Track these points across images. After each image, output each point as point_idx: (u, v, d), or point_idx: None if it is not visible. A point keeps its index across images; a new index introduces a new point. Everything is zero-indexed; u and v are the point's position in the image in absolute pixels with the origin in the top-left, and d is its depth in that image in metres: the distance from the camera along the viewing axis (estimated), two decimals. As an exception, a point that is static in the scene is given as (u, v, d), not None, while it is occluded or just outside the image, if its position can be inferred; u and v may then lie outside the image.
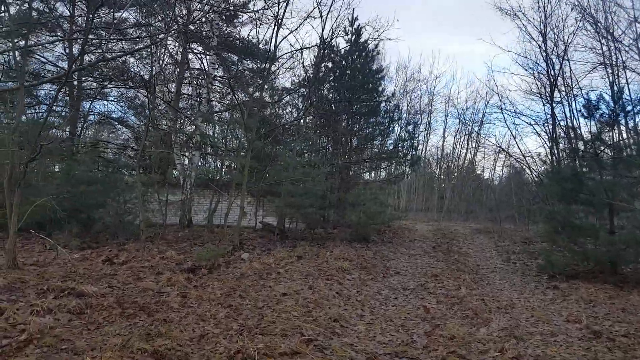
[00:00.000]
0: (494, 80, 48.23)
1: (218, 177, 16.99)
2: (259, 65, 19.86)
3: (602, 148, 9.63)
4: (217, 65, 16.96)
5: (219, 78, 17.76)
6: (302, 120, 16.04)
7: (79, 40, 17.32)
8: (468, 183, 36.91)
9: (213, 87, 17.29)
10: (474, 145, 37.53)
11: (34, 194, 10.12)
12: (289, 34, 13.93)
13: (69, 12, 17.18)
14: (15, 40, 15.04)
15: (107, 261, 7.34)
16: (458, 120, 37.21)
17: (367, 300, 6.67)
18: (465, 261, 11.23)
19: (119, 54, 15.86)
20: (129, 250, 8.53)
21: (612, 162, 9.50)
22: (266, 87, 21.44)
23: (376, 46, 18.46)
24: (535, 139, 41.89)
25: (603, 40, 14.57)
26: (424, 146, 35.42)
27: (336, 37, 16.98)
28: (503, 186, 33.81)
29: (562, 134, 15.70)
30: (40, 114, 17.62)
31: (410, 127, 17.64)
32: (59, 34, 17.58)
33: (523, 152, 19.68)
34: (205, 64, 16.99)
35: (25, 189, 10.34)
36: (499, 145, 24.92)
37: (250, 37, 20.14)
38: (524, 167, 21.60)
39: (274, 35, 11.32)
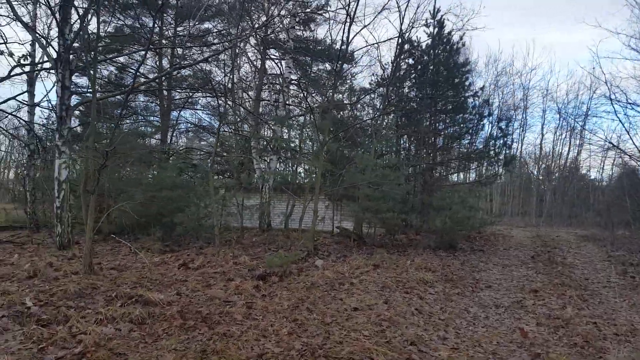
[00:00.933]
0: (600, 68, 43.06)
1: (296, 181, 16.91)
2: (334, 67, 19.65)
3: None
4: (292, 69, 16.95)
5: (295, 81, 17.72)
6: (380, 121, 15.34)
7: (167, 52, 18.43)
8: (571, 184, 33.36)
9: (290, 91, 17.28)
10: (577, 142, 33.88)
11: (125, 200, 10.75)
12: (362, 28, 13.39)
13: (158, 26, 18.29)
14: (110, 56, 16.38)
15: (183, 266, 7.39)
16: (558, 115, 33.91)
17: (451, 319, 5.88)
18: (571, 274, 9.79)
19: (196, 60, 16.44)
20: (206, 255, 8.58)
21: None
22: (344, 89, 21.20)
23: (461, 37, 17.24)
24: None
25: None
26: (519, 144, 32.74)
27: (416, 29, 16.09)
28: (613, 187, 29.98)
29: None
30: (135, 124, 19.02)
31: (502, 124, 16.08)
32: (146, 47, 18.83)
33: (639, 148, 16.99)
34: (282, 68, 17.02)
35: (118, 195, 11.07)
36: (609, 141, 21.91)
37: (325, 38, 19.97)
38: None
39: (346, 30, 10.79)
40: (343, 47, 11.40)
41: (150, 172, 11.19)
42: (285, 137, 17.49)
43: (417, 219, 16.36)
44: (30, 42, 13.26)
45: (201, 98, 21.83)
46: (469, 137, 18.96)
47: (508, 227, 23.90)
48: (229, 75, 19.55)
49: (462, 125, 18.27)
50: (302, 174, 17.96)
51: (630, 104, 15.68)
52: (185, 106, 21.22)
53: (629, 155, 17.91)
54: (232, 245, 10.18)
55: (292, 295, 6.05)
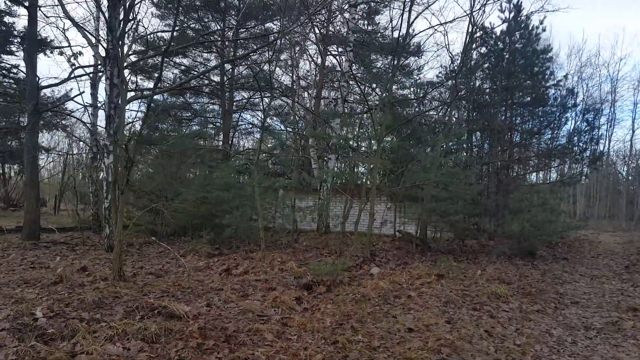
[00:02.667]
0: None
1: (357, 181, 16.11)
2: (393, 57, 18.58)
3: None
4: (353, 64, 16.17)
5: (353, 75, 16.93)
6: (448, 115, 14.11)
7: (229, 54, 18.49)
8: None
9: (349, 87, 16.52)
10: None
11: (180, 202, 10.65)
12: (424, 9, 12.15)
13: (219, 27, 18.39)
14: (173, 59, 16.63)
15: (225, 271, 6.93)
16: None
17: (529, 345, 4.83)
18: (680, 290, 8.12)
19: (252, 58, 16.20)
20: (253, 259, 8.08)
21: None
22: (409, 83, 20.03)
23: (541, 22, 15.48)
24: None
25: None
26: (607, 141, 29.41)
27: (489, 14, 14.66)
28: None
29: None
30: (198, 126, 19.29)
31: (589, 116, 14.14)
32: (212, 50, 19.00)
33: None
34: (342, 63, 16.30)
35: (175, 197, 11.01)
36: None
37: (386, 29, 18.98)
38: None
39: (406, 9, 9.80)
40: (403, 31, 10.43)
41: (203, 173, 10.96)
42: (346, 135, 16.72)
43: (491, 222, 14.91)
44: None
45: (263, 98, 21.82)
46: (550, 132, 17.07)
47: (594, 232, 21.36)
48: (289, 74, 19.31)
49: (542, 118, 16.46)
50: (362, 174, 17.14)
51: None
52: (247, 107, 21.28)
53: None
54: (282, 250, 9.63)
55: (338, 309, 5.31)
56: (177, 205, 9.99)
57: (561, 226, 13.20)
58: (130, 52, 11.87)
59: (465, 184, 11.52)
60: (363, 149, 19.21)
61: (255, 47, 16.77)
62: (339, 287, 6.72)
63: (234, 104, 20.14)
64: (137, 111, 21.93)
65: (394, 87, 21.03)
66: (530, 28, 15.61)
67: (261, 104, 22.08)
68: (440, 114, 16.16)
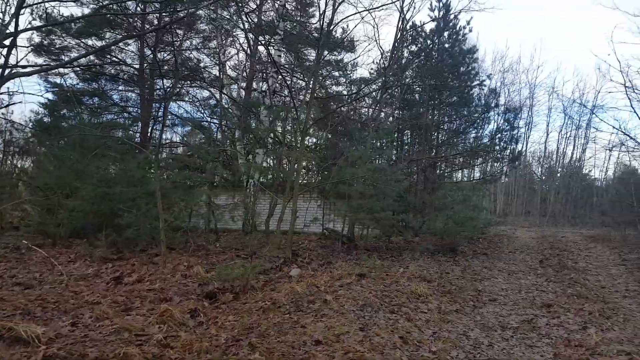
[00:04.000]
0: (615, 54, 39.43)
1: (284, 177, 15.50)
2: (321, 49, 18.20)
3: None
4: (281, 54, 15.50)
5: (284, 67, 16.30)
6: (377, 113, 13.89)
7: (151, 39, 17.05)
8: (575, 183, 31.93)
9: (281, 80, 15.87)
10: (582, 141, 32.42)
11: (79, 198, 9.40)
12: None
13: (141, 10, 16.85)
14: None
15: (116, 280, 6.01)
16: (563, 114, 32.48)
17: (445, 351, 4.49)
18: (585, 281, 8.37)
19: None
20: (156, 264, 7.18)
21: None
22: (343, 80, 19.74)
23: (468, 22, 15.73)
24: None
25: None
26: (525, 144, 31.20)
27: (419, 10, 14.56)
28: (617, 187, 28.50)
29: None
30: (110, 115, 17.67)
31: (510, 115, 14.57)
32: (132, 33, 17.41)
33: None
34: (272, 53, 15.56)
35: (72, 193, 9.71)
36: (622, 131, 20.20)
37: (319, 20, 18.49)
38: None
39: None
40: (328, 15, 9.94)
41: (105, 165, 9.72)
42: (273, 128, 16.00)
43: (417, 219, 14.94)
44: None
45: (189, 89, 20.49)
46: (475, 132, 17.54)
47: (512, 227, 22.48)
48: (216, 62, 18.23)
49: (466, 118, 16.81)
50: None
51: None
52: (168, 97, 19.84)
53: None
54: (193, 252, 8.77)
55: (240, 321, 4.65)
56: (73, 203, 8.77)
57: (482, 222, 13.48)
58: (28, 27, 10.33)
59: (393, 180, 11.32)
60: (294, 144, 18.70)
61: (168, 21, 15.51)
62: (249, 294, 6.06)
63: (157, 92, 18.69)
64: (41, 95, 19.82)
65: (327, 82, 20.73)
66: (457, 28, 15.85)
67: (187, 94, 20.86)
68: (370, 110, 15.98)
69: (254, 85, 18.77)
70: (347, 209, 11.09)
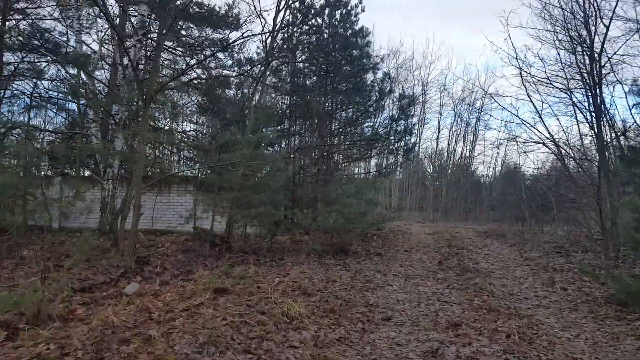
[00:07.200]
0: (510, 40, 41.38)
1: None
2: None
3: None
4: (148, 21, 12.82)
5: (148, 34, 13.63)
6: (256, 88, 11.96)
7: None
8: (465, 180, 33.34)
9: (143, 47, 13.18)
10: (471, 138, 33.95)
11: None
12: None
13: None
14: None
15: None
16: (454, 112, 33.71)
17: None
18: (491, 287, 7.33)
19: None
20: None
21: None
22: (229, 59, 17.52)
23: (360, 1, 14.49)
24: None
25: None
26: (418, 139, 31.64)
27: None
28: (502, 183, 30.26)
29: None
30: None
31: (404, 102, 13.58)
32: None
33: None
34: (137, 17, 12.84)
35: None
36: (531, 124, 20.90)
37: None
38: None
39: None
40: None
41: None
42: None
43: (307, 215, 13.39)
44: None
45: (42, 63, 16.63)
46: (369, 121, 16.50)
47: (407, 222, 22.17)
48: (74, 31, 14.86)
49: (360, 107, 15.67)
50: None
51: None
52: (19, 72, 15.88)
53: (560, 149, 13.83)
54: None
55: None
56: None
57: (377, 219, 12.35)
58: None
59: (274, 169, 9.55)
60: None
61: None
62: (33, 331, 3.82)
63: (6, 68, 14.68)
64: None
65: (212, 64, 18.35)
66: (349, 7, 14.57)
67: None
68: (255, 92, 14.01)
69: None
70: (212, 203, 9.06)
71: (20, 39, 13.23)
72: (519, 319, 5.50)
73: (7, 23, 13.93)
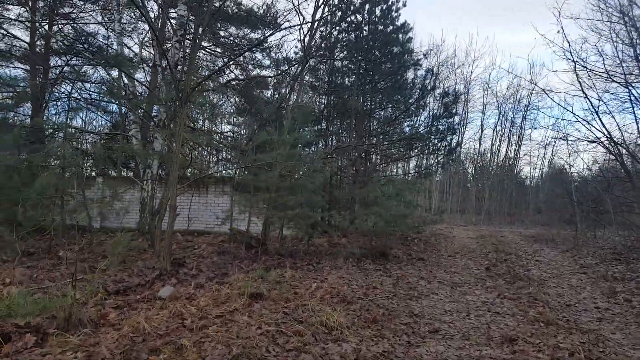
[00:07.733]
0: (562, 32, 39.11)
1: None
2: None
3: None
4: (186, 22, 12.86)
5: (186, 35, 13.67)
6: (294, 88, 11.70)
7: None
8: (509, 182, 31.93)
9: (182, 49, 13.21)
10: (516, 138, 32.50)
11: None
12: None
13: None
14: None
15: None
16: (498, 111, 32.38)
17: None
18: (546, 297, 6.72)
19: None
20: None
21: None
22: (267, 60, 17.42)
23: (401, -7, 13.96)
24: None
25: None
26: (460, 139, 30.58)
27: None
28: (550, 185, 28.71)
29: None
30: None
31: (448, 100, 12.94)
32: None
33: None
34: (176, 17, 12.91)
35: None
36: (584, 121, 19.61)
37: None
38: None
39: None
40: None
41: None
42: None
43: (345, 217, 13.03)
44: None
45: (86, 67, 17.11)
46: (410, 120, 15.92)
47: (448, 226, 21.38)
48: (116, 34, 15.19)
49: (401, 105, 15.13)
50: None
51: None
52: (65, 75, 16.41)
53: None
54: (18, 261, 6.12)
55: None
56: None
57: (417, 221, 11.82)
58: None
59: (312, 170, 9.25)
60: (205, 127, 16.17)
61: None
62: (62, 337, 3.68)
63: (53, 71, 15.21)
64: None
65: (250, 65, 18.32)
66: (389, 2, 14.08)
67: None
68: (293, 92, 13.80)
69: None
70: (248, 204, 8.85)
71: (65, 43, 13.58)
72: (581, 334, 4.92)
73: (53, 28, 14.41)
